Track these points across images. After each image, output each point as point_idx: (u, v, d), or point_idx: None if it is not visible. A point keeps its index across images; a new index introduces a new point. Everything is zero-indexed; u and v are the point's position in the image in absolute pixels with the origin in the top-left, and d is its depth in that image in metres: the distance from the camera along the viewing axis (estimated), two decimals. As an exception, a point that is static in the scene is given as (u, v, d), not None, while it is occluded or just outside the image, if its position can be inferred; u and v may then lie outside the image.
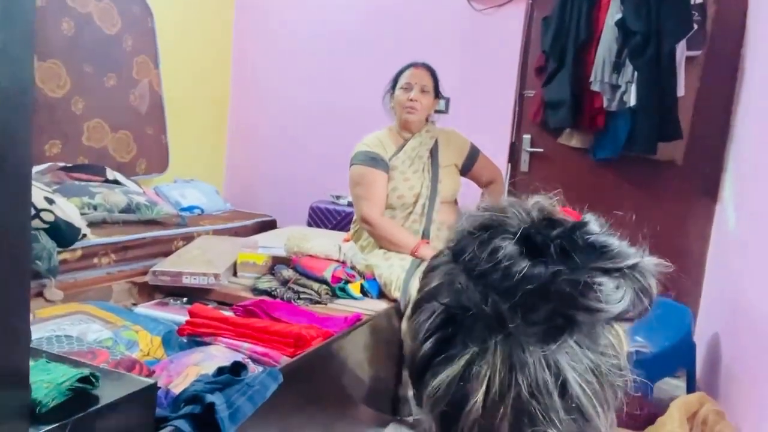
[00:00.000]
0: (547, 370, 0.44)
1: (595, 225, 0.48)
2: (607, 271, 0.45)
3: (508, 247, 0.45)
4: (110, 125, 3.07)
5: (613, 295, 0.44)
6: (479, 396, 0.44)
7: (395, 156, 2.36)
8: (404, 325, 1.83)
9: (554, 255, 0.45)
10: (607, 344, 0.47)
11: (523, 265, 0.44)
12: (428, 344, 0.48)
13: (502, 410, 0.44)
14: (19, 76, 0.72)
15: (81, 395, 0.90)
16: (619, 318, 0.46)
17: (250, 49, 3.89)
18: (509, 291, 0.44)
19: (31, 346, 1.34)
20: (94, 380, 0.93)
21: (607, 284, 0.44)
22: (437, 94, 2.41)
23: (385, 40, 3.42)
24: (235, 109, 3.99)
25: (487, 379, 0.44)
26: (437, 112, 2.65)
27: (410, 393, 0.53)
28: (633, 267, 0.46)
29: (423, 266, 2.16)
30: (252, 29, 3.87)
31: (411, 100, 2.30)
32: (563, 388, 0.44)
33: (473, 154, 2.50)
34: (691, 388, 2.40)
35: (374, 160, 2.33)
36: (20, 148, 0.73)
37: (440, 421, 0.47)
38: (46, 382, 0.86)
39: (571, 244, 0.46)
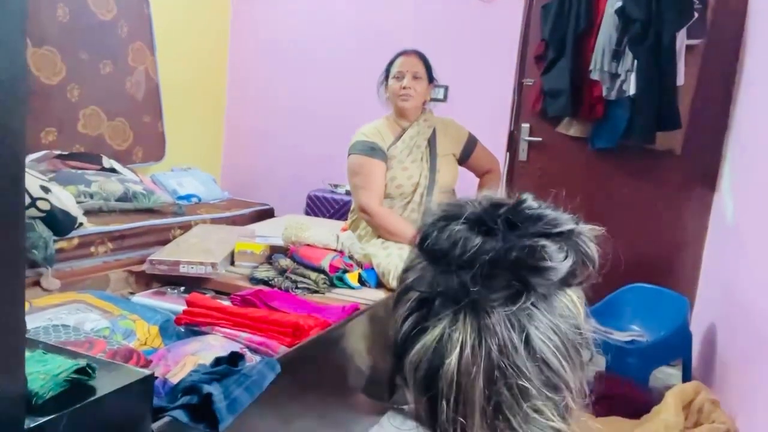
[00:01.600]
0: (512, 329, 0.50)
1: (532, 201, 0.56)
2: (548, 235, 0.51)
3: (461, 228, 0.52)
4: (106, 113, 3.04)
5: (557, 255, 0.50)
6: (454, 357, 0.49)
7: (393, 145, 2.35)
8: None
9: (502, 228, 0.52)
10: (563, 306, 0.53)
11: (477, 241, 0.51)
12: (405, 325, 0.54)
13: (475, 368, 0.49)
14: (12, 64, 0.71)
15: (77, 386, 0.90)
16: (569, 282, 0.53)
17: (248, 35, 3.85)
18: (468, 263, 0.50)
19: (28, 336, 1.34)
20: (90, 371, 0.92)
21: (549, 246, 0.50)
22: (431, 80, 2.39)
23: (383, 27, 3.39)
24: (232, 97, 3.96)
25: (459, 342, 0.50)
26: (435, 100, 2.64)
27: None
28: (570, 232, 0.53)
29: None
30: (249, 15, 3.83)
31: (404, 88, 2.29)
32: (527, 344, 0.50)
33: (471, 144, 2.49)
34: (686, 377, 2.41)
35: (372, 150, 2.32)
36: (14, 137, 0.72)
37: (422, 387, 0.53)
38: (43, 373, 0.86)
39: (515, 217, 0.53)
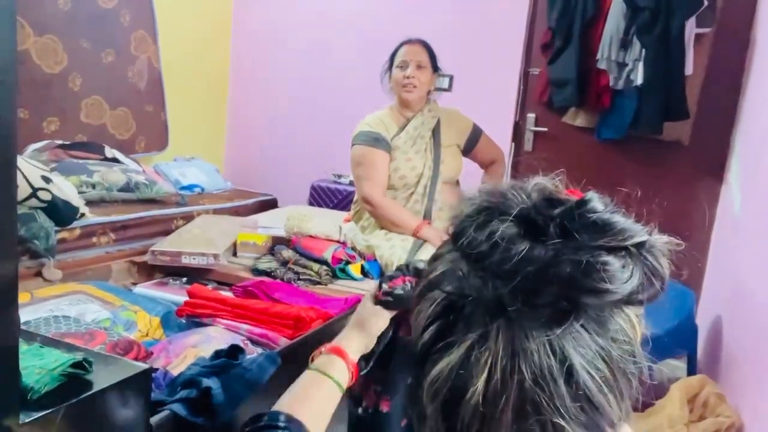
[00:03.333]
0: (552, 356, 0.42)
1: (598, 203, 0.46)
2: (611, 250, 0.42)
3: (506, 228, 0.44)
4: (109, 102, 3.03)
5: (620, 275, 0.42)
6: (480, 383, 0.42)
7: (397, 136, 2.33)
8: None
9: (555, 235, 0.43)
10: (617, 329, 0.44)
11: (523, 246, 0.42)
12: (428, 332, 0.47)
13: (504, 398, 0.42)
14: (1, 49, 0.69)
15: (74, 380, 0.89)
16: (629, 301, 0.44)
17: (250, 24, 3.82)
18: (509, 274, 0.42)
19: (26, 328, 1.33)
20: (87, 365, 0.91)
21: (612, 263, 0.42)
22: (435, 69, 2.36)
23: (387, 16, 3.35)
24: (235, 86, 3.94)
25: (488, 366, 0.42)
26: (440, 90, 2.61)
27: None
28: (640, 245, 0.44)
29: (424, 247, 2.15)
30: (252, 4, 3.79)
31: (407, 77, 2.26)
32: (569, 374, 0.42)
33: (475, 135, 2.47)
34: (692, 370, 2.40)
35: (376, 140, 2.30)
36: (4, 127, 0.71)
37: (441, 411, 0.45)
38: (38, 367, 0.85)
39: (572, 223, 0.43)
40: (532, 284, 0.42)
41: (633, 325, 0.46)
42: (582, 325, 0.43)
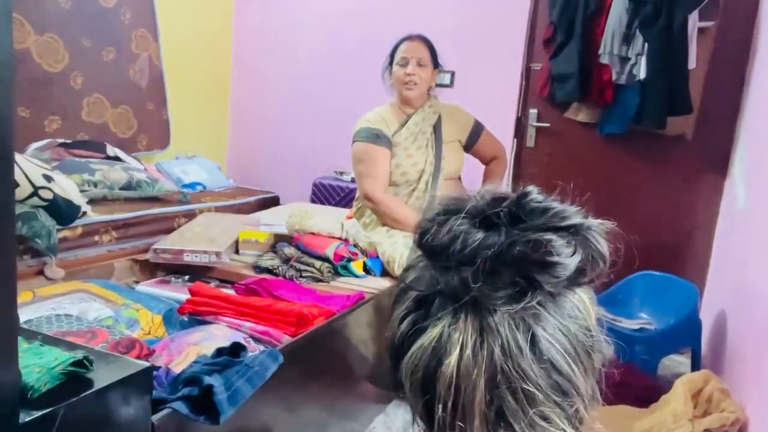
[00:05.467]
0: (516, 329, 0.47)
1: (537, 193, 0.52)
2: (554, 229, 0.48)
3: (463, 223, 0.49)
4: (110, 100, 3.03)
5: (564, 249, 0.47)
6: (453, 358, 0.47)
7: (398, 132, 2.32)
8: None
9: (506, 222, 0.49)
10: (571, 307, 0.50)
11: (479, 235, 0.48)
12: (403, 325, 0.52)
13: (476, 370, 0.46)
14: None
15: (75, 379, 0.89)
16: (578, 281, 0.50)
17: (252, 21, 3.81)
18: (469, 259, 0.47)
19: (28, 327, 1.33)
20: (88, 364, 0.91)
21: (556, 240, 0.47)
22: (436, 65, 2.35)
23: (389, 11, 3.34)
24: (237, 84, 3.93)
25: (459, 343, 0.47)
26: (441, 86, 2.60)
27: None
28: (579, 226, 0.49)
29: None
30: (253, 1, 3.78)
31: (408, 74, 2.25)
32: (533, 344, 0.47)
33: (477, 130, 2.46)
34: (696, 365, 2.39)
35: (377, 137, 2.29)
36: (1, 124, 0.70)
37: (419, 390, 0.50)
38: (38, 366, 0.85)
39: (519, 211, 0.50)
40: (491, 266, 0.47)
41: (586, 304, 0.51)
42: (540, 303, 0.47)
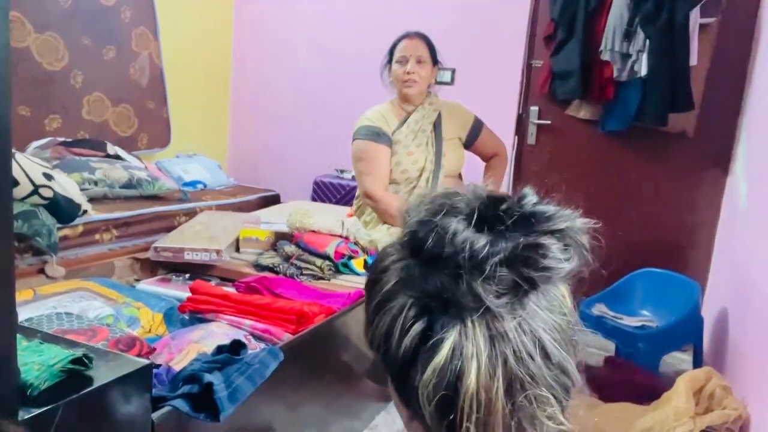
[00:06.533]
0: (524, 335, 0.46)
1: (533, 195, 0.52)
2: (553, 233, 0.48)
3: (465, 229, 0.47)
4: (110, 99, 3.03)
5: (563, 254, 0.48)
6: (473, 374, 0.45)
7: (398, 130, 2.32)
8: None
9: (509, 226, 0.48)
10: (557, 302, 0.50)
11: (484, 241, 0.46)
12: (407, 340, 0.48)
13: (495, 381, 0.45)
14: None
15: (74, 377, 0.89)
16: (565, 278, 0.50)
17: (252, 20, 3.80)
18: (478, 267, 0.46)
19: (29, 325, 1.33)
20: (87, 361, 0.91)
21: (555, 244, 0.47)
22: (435, 62, 2.34)
23: (389, 9, 3.33)
24: (237, 82, 3.93)
25: (475, 356, 0.46)
26: (442, 83, 2.59)
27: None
28: (570, 228, 0.49)
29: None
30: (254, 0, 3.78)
31: (408, 73, 2.24)
32: (542, 348, 0.47)
33: (477, 128, 2.45)
34: (697, 362, 2.38)
35: (377, 135, 2.28)
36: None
37: (440, 412, 0.47)
38: (38, 363, 0.85)
39: (518, 214, 0.49)
40: (498, 273, 0.46)
41: (566, 297, 0.51)
42: (534, 303, 0.47)
